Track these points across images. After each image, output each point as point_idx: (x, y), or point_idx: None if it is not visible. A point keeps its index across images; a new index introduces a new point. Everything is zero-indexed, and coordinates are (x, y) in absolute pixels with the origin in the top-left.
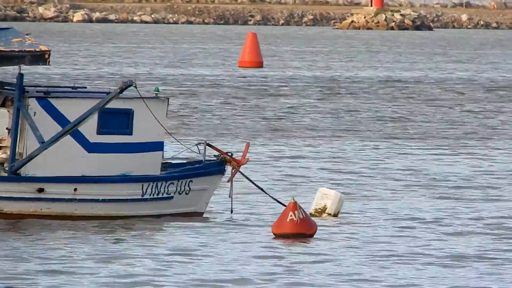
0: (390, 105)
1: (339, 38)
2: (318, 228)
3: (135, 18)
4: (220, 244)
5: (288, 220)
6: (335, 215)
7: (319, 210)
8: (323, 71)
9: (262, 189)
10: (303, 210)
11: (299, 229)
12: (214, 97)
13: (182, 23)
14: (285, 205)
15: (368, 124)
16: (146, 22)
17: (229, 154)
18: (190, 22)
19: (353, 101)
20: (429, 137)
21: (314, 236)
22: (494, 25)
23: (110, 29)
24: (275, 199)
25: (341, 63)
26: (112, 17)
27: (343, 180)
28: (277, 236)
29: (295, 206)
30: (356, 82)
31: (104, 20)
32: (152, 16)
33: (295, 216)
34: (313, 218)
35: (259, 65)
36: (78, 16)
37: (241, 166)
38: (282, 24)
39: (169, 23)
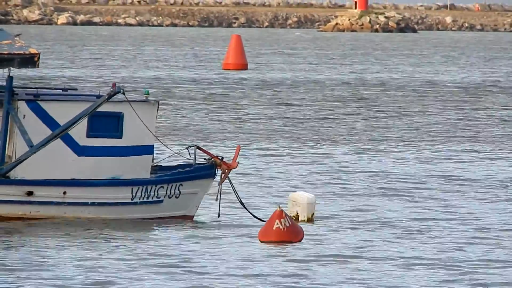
0: (370, 107)
1: (323, 40)
2: (305, 234)
3: (120, 20)
4: (205, 250)
5: (274, 228)
6: (310, 220)
7: (293, 218)
8: (307, 73)
9: (242, 204)
10: (289, 217)
11: (285, 237)
12: (200, 100)
13: (167, 25)
14: (264, 221)
15: (348, 127)
16: (130, 25)
17: (220, 157)
18: (175, 25)
19: (334, 104)
20: (404, 140)
21: (301, 242)
22: (479, 27)
23: (94, 31)
24: (253, 215)
25: (324, 66)
26: (96, 19)
27: (330, 186)
28: (263, 243)
29: (281, 214)
30: (337, 86)
31: (89, 23)
32: (137, 18)
33: (281, 224)
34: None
35: (244, 67)
36: (62, 18)
37: (232, 169)
38: (267, 27)
39: (154, 25)
